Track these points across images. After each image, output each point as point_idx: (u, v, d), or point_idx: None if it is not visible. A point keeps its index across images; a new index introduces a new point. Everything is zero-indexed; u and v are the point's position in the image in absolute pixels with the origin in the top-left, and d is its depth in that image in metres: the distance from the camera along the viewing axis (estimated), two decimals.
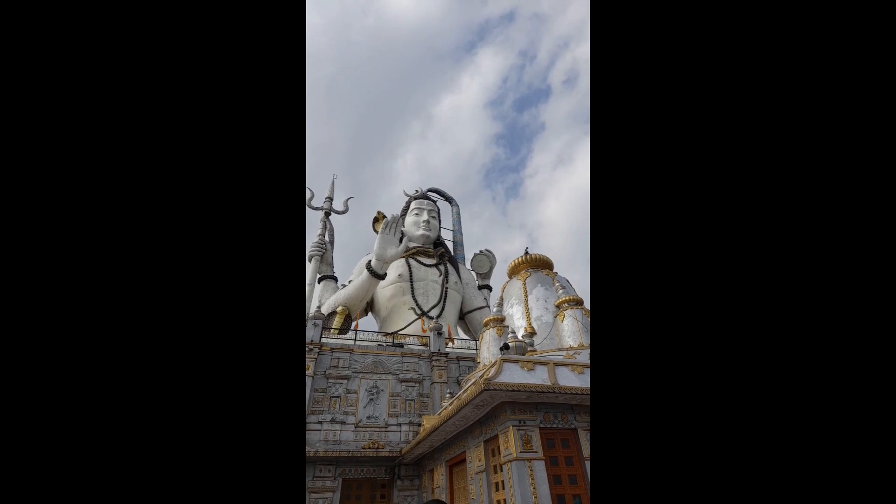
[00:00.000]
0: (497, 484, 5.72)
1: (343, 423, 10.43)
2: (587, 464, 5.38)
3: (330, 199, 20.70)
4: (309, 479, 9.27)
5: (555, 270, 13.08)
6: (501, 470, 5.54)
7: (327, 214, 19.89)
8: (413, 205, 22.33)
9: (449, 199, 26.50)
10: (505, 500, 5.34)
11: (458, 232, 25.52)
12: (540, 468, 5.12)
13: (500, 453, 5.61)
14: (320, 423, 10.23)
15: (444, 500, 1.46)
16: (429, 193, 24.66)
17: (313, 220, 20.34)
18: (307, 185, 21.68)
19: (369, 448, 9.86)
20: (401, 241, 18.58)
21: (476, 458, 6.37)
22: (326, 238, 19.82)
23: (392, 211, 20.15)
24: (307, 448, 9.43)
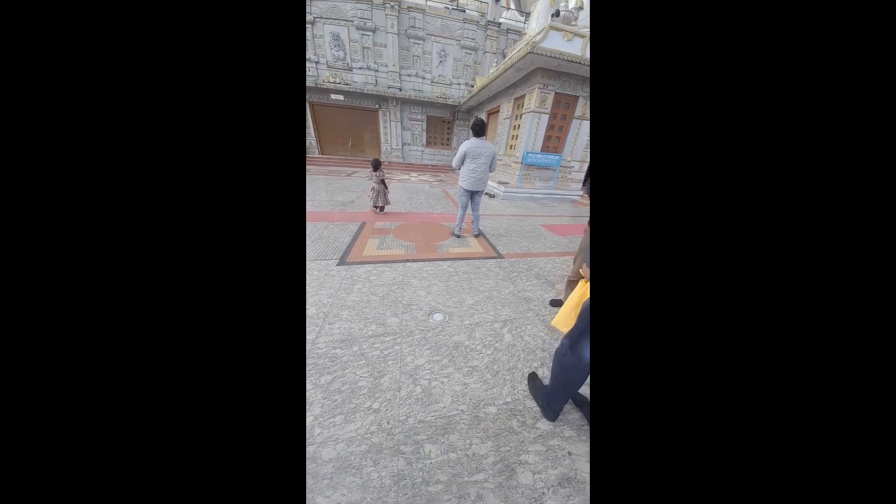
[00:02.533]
0: (515, 126, 5.96)
1: (423, 78, 9.81)
2: (573, 122, 5.51)
3: None
4: (407, 114, 10.07)
5: None
6: (521, 118, 5.59)
7: None
8: None
9: None
10: (517, 136, 5.79)
11: None
12: (544, 120, 5.20)
13: (522, 107, 5.47)
14: (409, 76, 9.65)
15: (483, 120, 1.70)
16: None
17: None
18: None
19: (440, 98, 9.89)
20: None
21: (507, 110, 6.33)
22: None
23: None
24: (409, 94, 9.49)
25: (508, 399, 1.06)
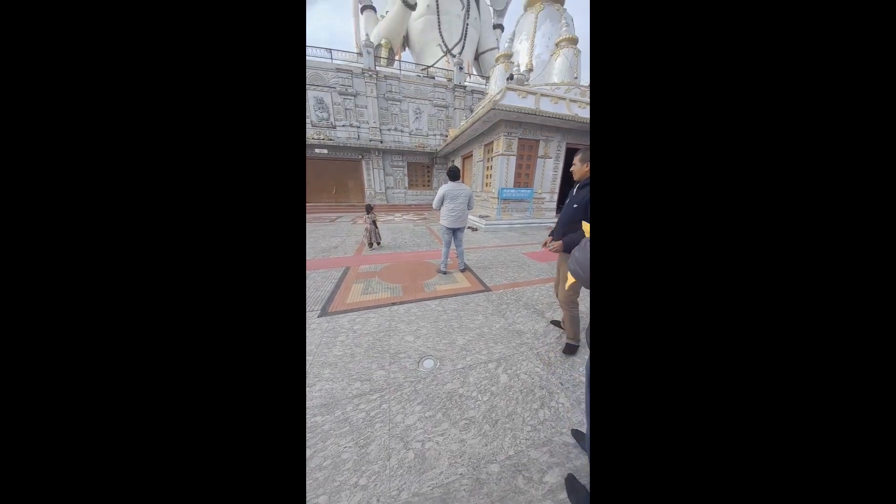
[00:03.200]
0: (488, 167, 6.68)
1: (401, 131, 10.96)
2: (538, 160, 6.28)
3: None
4: (388, 162, 10.95)
5: (564, 6, 8.93)
6: (492, 161, 6.32)
7: None
8: None
9: None
10: (490, 175, 6.46)
11: None
12: (512, 161, 5.94)
13: (493, 151, 6.20)
14: (389, 130, 10.79)
15: (458, 167, 1.96)
16: None
17: None
18: None
19: (418, 147, 10.95)
20: None
21: (479, 154, 7.13)
22: None
23: None
24: (390, 146, 10.48)
25: (511, 452, 0.97)
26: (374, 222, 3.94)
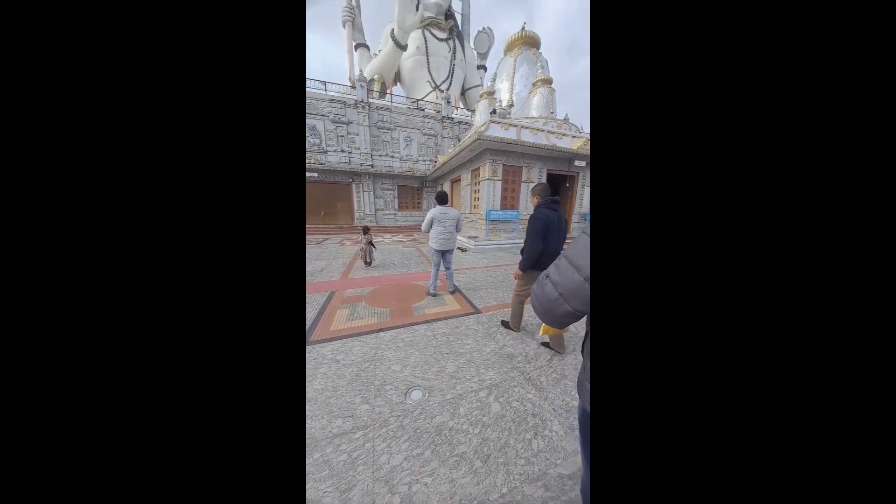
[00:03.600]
0: (475, 191, 7.04)
1: (392, 157, 11.43)
2: (522, 184, 6.69)
3: None
4: (379, 185, 11.26)
5: (539, 51, 10.24)
6: (479, 185, 6.68)
7: None
8: None
9: None
10: (478, 198, 6.79)
11: (466, 5, 17.03)
12: (498, 186, 6.32)
13: (479, 176, 6.57)
14: (380, 156, 11.23)
15: (446, 192, 2.08)
16: None
17: None
18: None
19: (408, 172, 11.38)
20: (417, 7, 13.04)
21: (466, 178, 7.49)
22: (353, 2, 13.55)
23: None
24: (381, 170, 10.85)
25: (504, 489, 0.91)
26: (369, 242, 4.13)
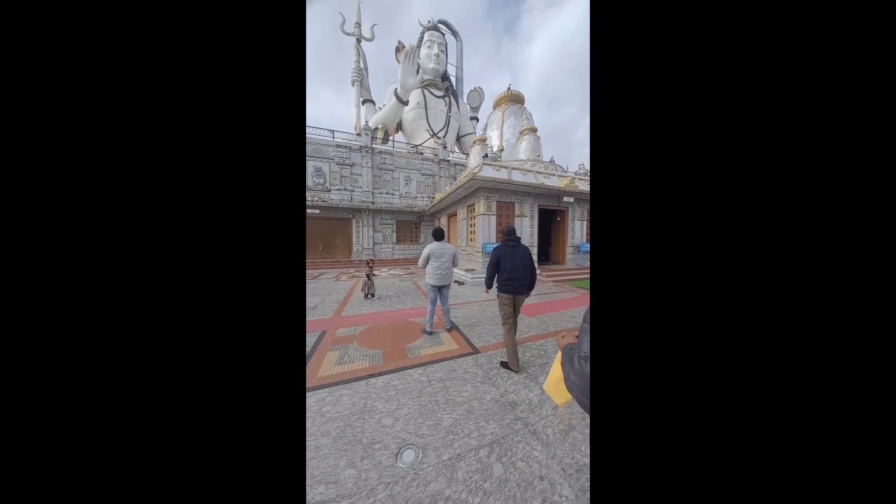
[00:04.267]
0: (471, 225, 7.35)
1: (392, 194, 12.09)
2: (515, 219, 7.03)
3: (358, 24, 15.77)
4: (378, 220, 11.70)
5: (524, 105, 11.77)
6: (474, 219, 7.02)
7: (358, 41, 15.57)
8: (426, 36, 17.65)
9: (455, 34, 19.69)
10: (474, 232, 7.09)
11: (459, 69, 20.33)
12: (492, 220, 6.62)
13: (475, 212, 6.94)
14: (380, 193, 11.89)
15: (442, 229, 2.20)
16: (438, 25, 18.27)
17: (347, 48, 16.03)
18: (339, 11, 15.61)
19: (407, 208, 11.92)
20: (417, 71, 15.59)
21: (462, 213, 7.86)
22: (362, 65, 16.22)
23: (409, 40, 15.62)
24: (381, 206, 11.41)
25: None
26: (368, 275, 4.34)
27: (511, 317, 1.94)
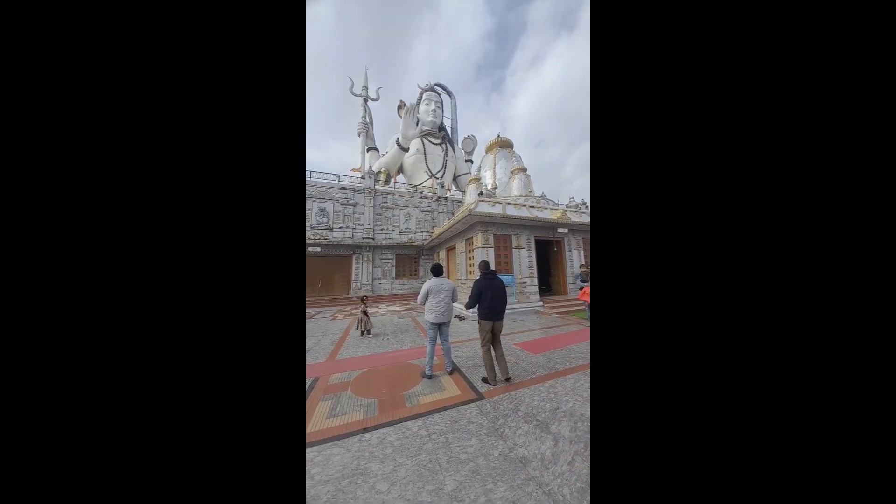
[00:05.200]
0: (470, 258, 7.44)
1: (392, 230, 12.51)
2: (513, 251, 7.20)
3: (366, 87, 18.98)
4: (378, 255, 11.88)
5: (514, 149, 13.08)
6: (473, 252, 7.15)
7: (365, 101, 18.49)
8: (424, 96, 20.82)
9: (449, 93, 23.45)
10: (473, 264, 7.17)
11: (454, 121, 23.56)
12: (491, 252, 6.77)
13: (473, 245, 7.11)
14: (381, 230, 12.31)
15: (441, 264, 2.27)
16: (435, 87, 21.91)
17: (356, 105, 19.28)
18: (348, 76, 18.74)
19: (407, 243, 12.21)
20: (416, 124, 18.05)
21: (461, 247, 8.03)
22: (367, 120, 18.85)
23: (409, 98, 18.85)
24: (381, 242, 11.75)
25: None
26: (364, 311, 4.40)
27: (490, 340, 2.31)
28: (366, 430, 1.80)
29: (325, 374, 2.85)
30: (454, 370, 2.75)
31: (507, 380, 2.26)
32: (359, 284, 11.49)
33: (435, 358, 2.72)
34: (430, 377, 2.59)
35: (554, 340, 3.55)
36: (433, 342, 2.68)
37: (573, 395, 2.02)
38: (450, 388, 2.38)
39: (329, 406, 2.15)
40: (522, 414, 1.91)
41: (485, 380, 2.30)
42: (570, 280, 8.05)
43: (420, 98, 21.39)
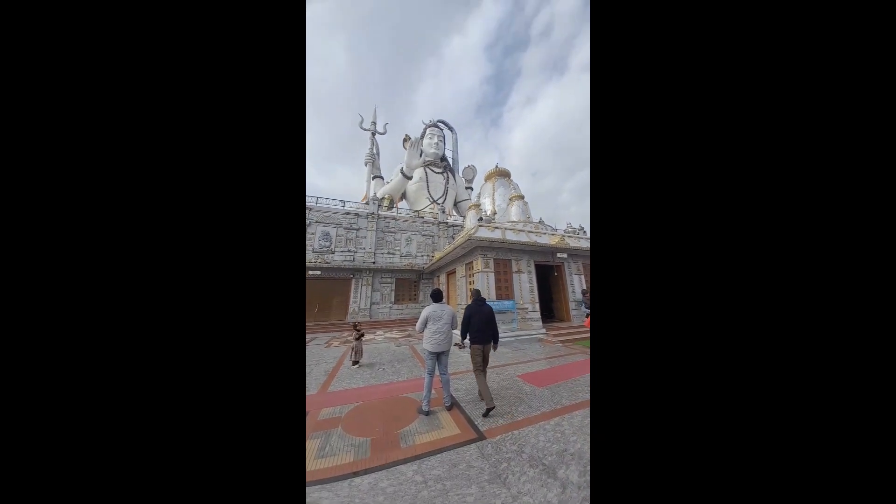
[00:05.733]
0: (470, 282, 7.44)
1: (393, 254, 12.62)
2: (514, 275, 7.21)
3: (374, 122, 21.01)
4: (378, 279, 11.85)
5: (511, 178, 13.81)
6: (473, 276, 7.16)
7: (373, 134, 20.41)
8: (427, 131, 22.68)
9: (451, 129, 25.87)
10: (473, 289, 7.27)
11: (455, 153, 25.54)
12: (491, 277, 6.78)
13: (473, 269, 7.14)
14: (382, 254, 12.42)
15: (441, 289, 2.26)
16: (438, 123, 24.31)
17: (364, 139, 21.03)
18: (358, 112, 20.75)
19: (407, 267, 12.24)
20: (420, 155, 19.56)
21: (461, 271, 8.05)
22: (374, 151, 20.57)
23: (414, 133, 20.77)
24: (381, 266, 11.81)
25: None
26: (357, 339, 4.26)
27: (481, 365, 2.47)
28: (356, 474, 1.64)
29: (314, 409, 2.66)
30: (453, 405, 2.57)
31: (490, 409, 2.24)
32: (356, 309, 11.25)
33: (433, 391, 2.56)
34: (427, 413, 2.42)
35: (559, 372, 3.38)
36: (431, 373, 2.56)
37: (581, 435, 1.87)
38: (448, 427, 2.21)
39: (317, 445, 1.99)
40: (527, 457, 1.75)
41: (486, 413, 2.30)
42: (572, 306, 7.88)
43: (424, 132, 23.32)
